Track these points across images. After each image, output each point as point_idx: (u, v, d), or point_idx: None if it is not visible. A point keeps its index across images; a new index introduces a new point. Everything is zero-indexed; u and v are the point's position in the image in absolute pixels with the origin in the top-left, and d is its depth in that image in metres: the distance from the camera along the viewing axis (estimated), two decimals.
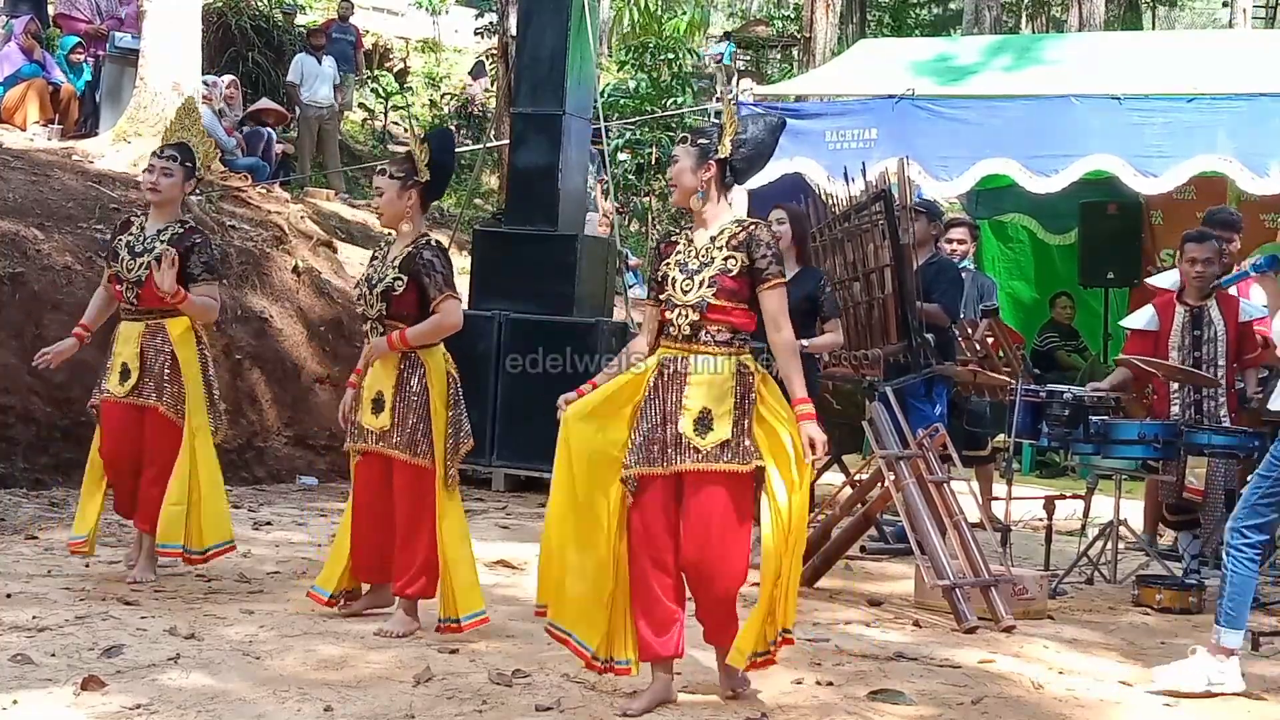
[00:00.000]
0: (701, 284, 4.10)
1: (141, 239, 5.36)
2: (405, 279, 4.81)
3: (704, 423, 4.04)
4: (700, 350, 4.10)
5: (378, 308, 4.83)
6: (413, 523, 4.84)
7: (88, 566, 5.56)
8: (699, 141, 4.22)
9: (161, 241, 5.31)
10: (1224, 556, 4.64)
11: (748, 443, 4.04)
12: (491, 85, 18.39)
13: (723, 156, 4.20)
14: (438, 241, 5.01)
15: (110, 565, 5.63)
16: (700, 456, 4.02)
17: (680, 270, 4.15)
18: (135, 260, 5.31)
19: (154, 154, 5.49)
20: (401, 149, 16.93)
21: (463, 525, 4.95)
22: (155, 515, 5.32)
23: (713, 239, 4.17)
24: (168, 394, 5.31)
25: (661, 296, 4.18)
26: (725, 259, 4.11)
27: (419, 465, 4.81)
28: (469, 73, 20.61)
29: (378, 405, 4.83)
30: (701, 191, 4.19)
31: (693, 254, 4.17)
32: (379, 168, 5.04)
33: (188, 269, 5.30)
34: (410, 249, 4.86)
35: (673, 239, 4.29)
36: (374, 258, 5.04)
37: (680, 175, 4.22)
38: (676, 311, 4.12)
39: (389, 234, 5.26)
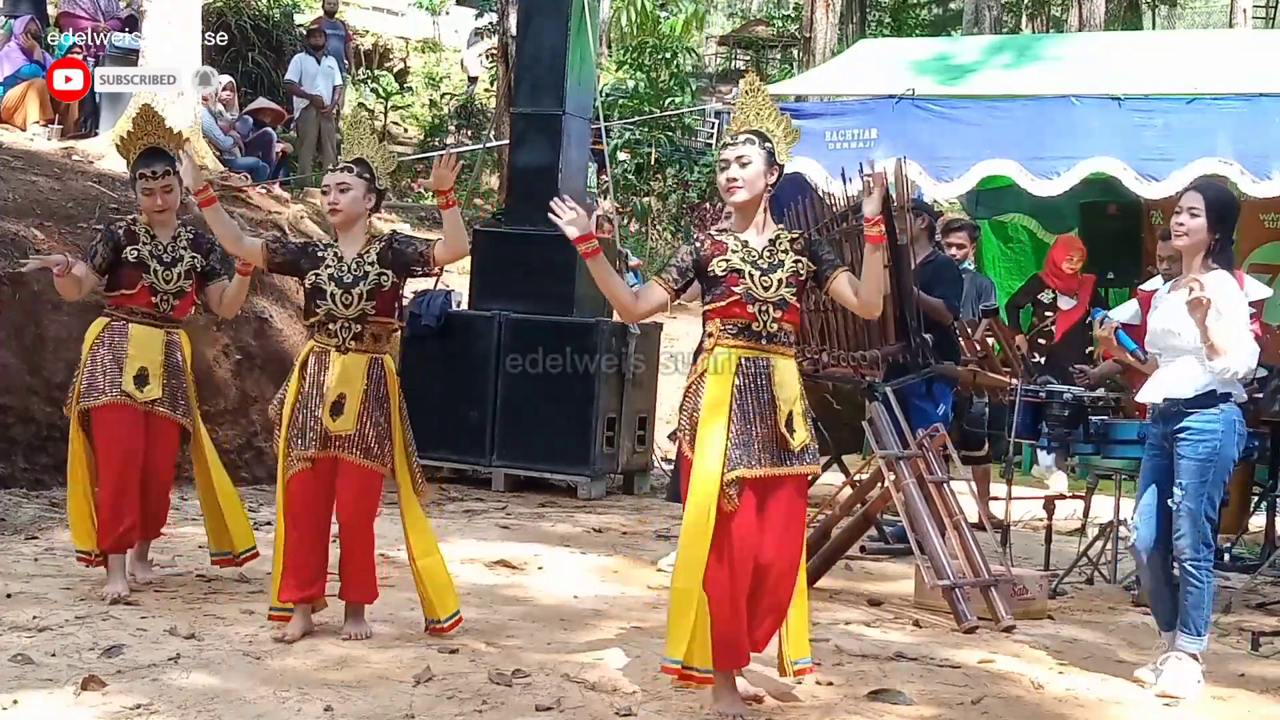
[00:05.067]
0: (780, 283, 4.10)
1: (162, 248, 5.30)
2: (390, 274, 4.75)
3: (790, 425, 4.09)
4: (777, 352, 4.12)
5: (360, 306, 4.71)
6: (367, 528, 4.79)
7: (88, 567, 5.56)
8: (766, 145, 4.17)
9: (184, 249, 5.33)
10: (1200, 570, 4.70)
11: (815, 442, 4.17)
12: (491, 84, 18.39)
13: (783, 164, 4.21)
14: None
15: None
16: (795, 459, 4.10)
17: (753, 267, 4.11)
18: (171, 271, 5.29)
19: (146, 174, 5.29)
20: (403, 149, 16.99)
21: (430, 528, 4.93)
22: (158, 522, 5.48)
23: (772, 242, 4.16)
24: (183, 408, 5.36)
25: (737, 289, 4.08)
26: (794, 261, 4.14)
27: (375, 470, 4.72)
28: (467, 43, 20.58)
29: (337, 408, 4.70)
30: (765, 195, 4.19)
31: (755, 254, 4.14)
32: (340, 164, 4.88)
33: (209, 266, 5.34)
34: (379, 244, 4.80)
35: (718, 239, 4.20)
36: (320, 261, 4.77)
37: (757, 177, 4.15)
38: (758, 306, 4.09)
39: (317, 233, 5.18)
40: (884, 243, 4.10)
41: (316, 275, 4.76)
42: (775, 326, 4.10)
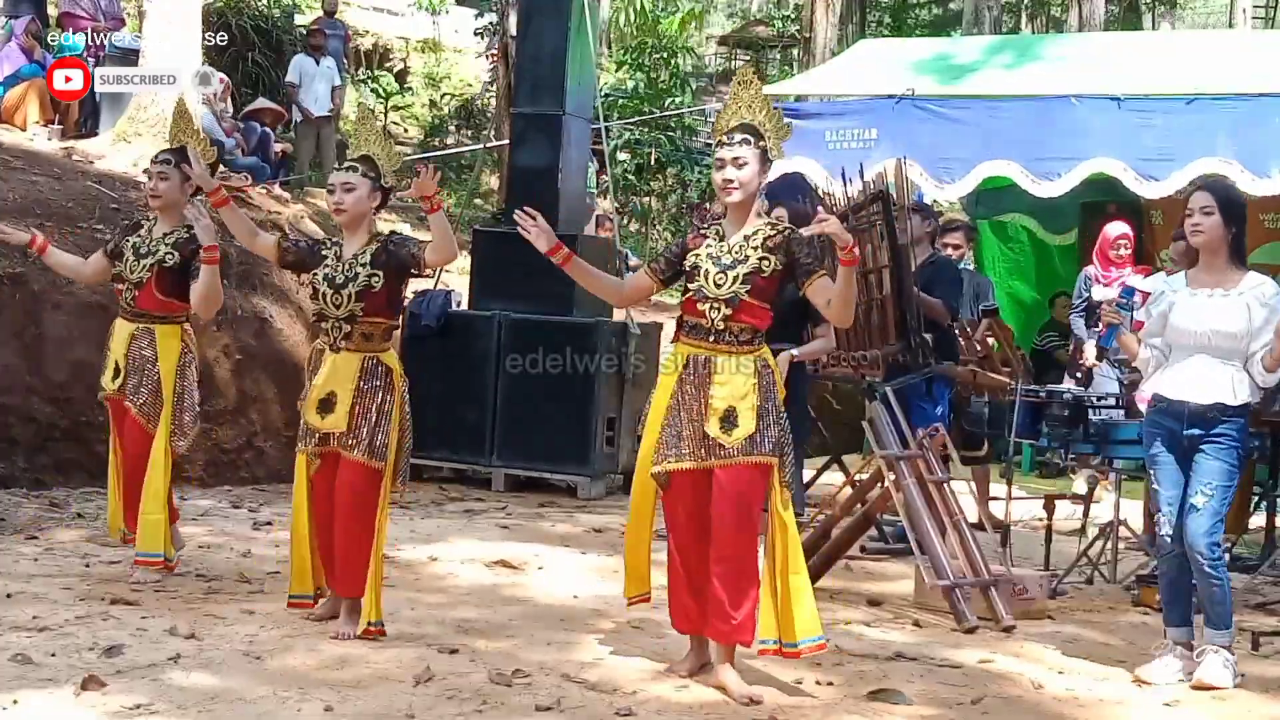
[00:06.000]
0: (736, 279, 4.18)
1: (147, 242, 5.43)
2: (381, 275, 4.77)
3: (730, 420, 4.17)
4: (724, 350, 4.22)
5: (349, 307, 4.74)
6: (363, 523, 4.78)
7: (88, 566, 5.57)
8: (760, 144, 4.22)
9: (166, 245, 5.40)
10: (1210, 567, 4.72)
11: (771, 433, 4.20)
12: (491, 85, 18.40)
13: (775, 160, 4.29)
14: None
15: (110, 565, 5.62)
16: (727, 453, 4.18)
17: (713, 263, 4.21)
18: (139, 262, 5.38)
19: (153, 160, 5.55)
20: (403, 149, 16.97)
21: (383, 530, 4.91)
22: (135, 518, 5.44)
23: (746, 238, 4.23)
24: (143, 400, 5.37)
25: (691, 286, 4.25)
26: (760, 259, 4.19)
27: (373, 467, 4.75)
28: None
29: (326, 405, 4.76)
30: (759, 193, 4.29)
31: (725, 249, 4.24)
32: (345, 164, 4.91)
33: (194, 266, 5.33)
34: (375, 245, 4.82)
35: (703, 231, 4.34)
36: (321, 260, 4.84)
37: (752, 178, 4.23)
38: (709, 304, 4.21)
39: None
40: (855, 266, 4.12)
41: (315, 275, 4.85)
42: (724, 324, 4.19)
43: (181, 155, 5.42)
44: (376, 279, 4.77)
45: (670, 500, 4.32)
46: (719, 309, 4.19)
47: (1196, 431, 4.71)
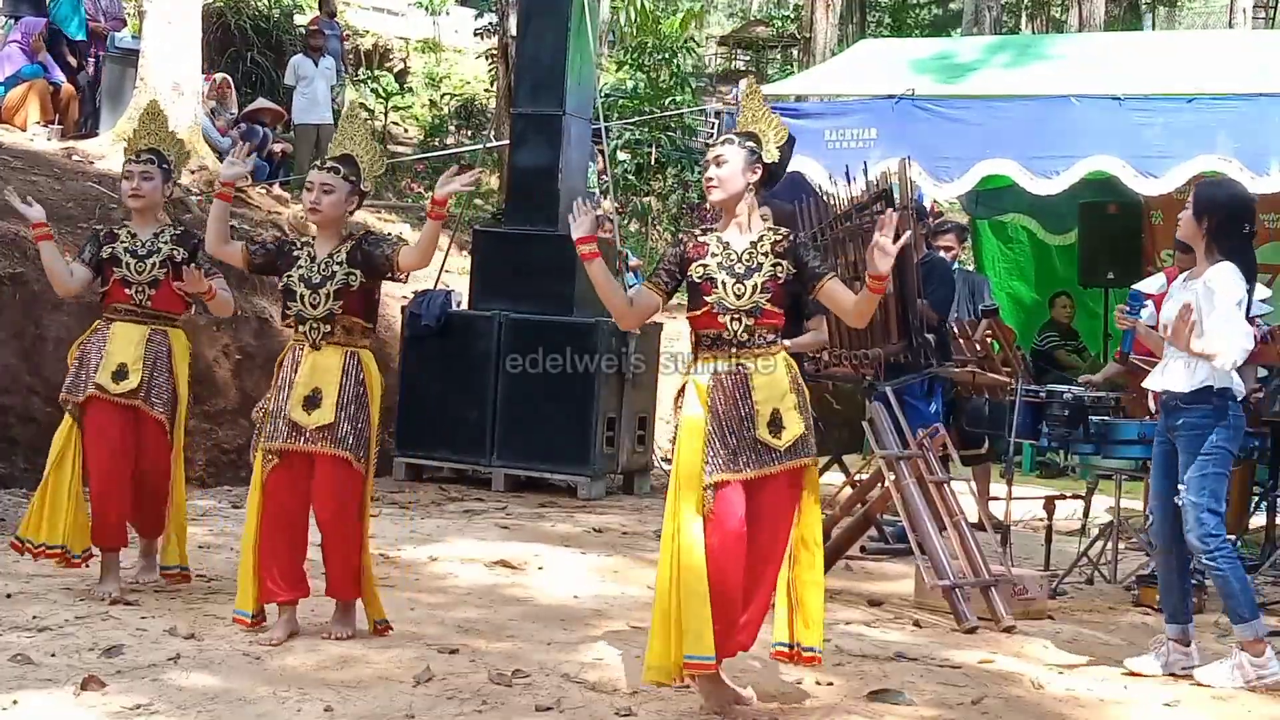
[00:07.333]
0: (755, 289, 4.09)
1: (140, 243, 5.33)
2: (358, 273, 4.74)
3: (776, 423, 4.08)
4: (752, 355, 4.11)
5: (327, 306, 4.70)
6: (351, 523, 4.74)
7: (88, 567, 5.56)
8: (747, 143, 4.19)
9: (164, 243, 5.33)
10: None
11: (812, 436, 4.15)
12: (491, 85, 18.39)
13: (769, 161, 4.21)
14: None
15: None
16: (780, 457, 4.08)
17: (728, 274, 4.11)
18: (144, 263, 5.30)
19: (130, 160, 5.38)
20: (403, 149, 16.97)
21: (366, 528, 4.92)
22: (157, 522, 5.44)
23: (754, 244, 4.16)
24: (165, 405, 5.33)
25: (709, 299, 4.10)
26: (774, 265, 4.12)
27: (351, 463, 4.70)
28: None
29: (311, 402, 4.68)
30: (748, 194, 4.19)
31: (734, 258, 4.14)
32: (326, 164, 4.84)
33: (196, 263, 5.29)
34: (349, 245, 4.79)
35: (700, 239, 4.21)
36: (294, 261, 4.79)
37: (732, 177, 4.16)
38: (730, 316, 4.09)
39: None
40: (883, 294, 4.09)
41: (289, 276, 4.78)
42: (747, 335, 4.10)
43: (160, 156, 5.38)
44: (354, 277, 4.73)
45: (718, 519, 4.03)
46: (740, 320, 4.09)
47: (1168, 422, 4.85)
